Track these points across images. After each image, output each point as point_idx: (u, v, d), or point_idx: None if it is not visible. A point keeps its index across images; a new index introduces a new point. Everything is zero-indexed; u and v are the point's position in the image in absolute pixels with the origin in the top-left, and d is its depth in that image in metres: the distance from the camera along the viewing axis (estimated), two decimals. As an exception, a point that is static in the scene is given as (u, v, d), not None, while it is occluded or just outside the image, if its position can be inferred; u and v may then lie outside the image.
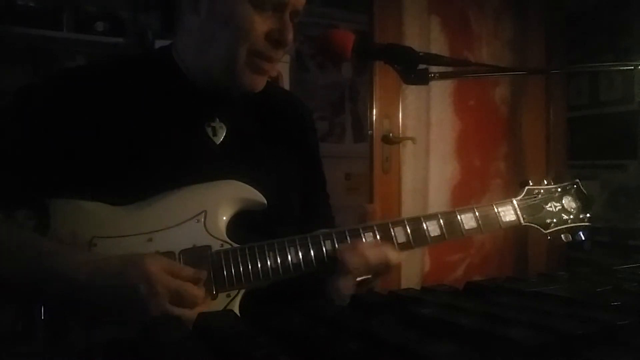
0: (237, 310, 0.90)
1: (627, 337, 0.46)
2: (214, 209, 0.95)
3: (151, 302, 0.79)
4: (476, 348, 0.43)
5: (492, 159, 2.86)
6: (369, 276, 0.94)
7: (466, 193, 2.72)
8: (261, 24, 0.94)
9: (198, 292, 0.84)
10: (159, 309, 0.79)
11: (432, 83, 1.00)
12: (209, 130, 1.03)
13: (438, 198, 2.67)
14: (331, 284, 0.97)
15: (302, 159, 1.16)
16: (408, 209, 2.57)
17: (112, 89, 0.98)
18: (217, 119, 1.04)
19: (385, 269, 0.95)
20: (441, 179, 2.73)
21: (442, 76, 1.03)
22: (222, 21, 0.95)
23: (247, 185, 0.97)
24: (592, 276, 0.75)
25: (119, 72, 1.03)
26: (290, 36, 0.97)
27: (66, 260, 0.82)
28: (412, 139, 2.58)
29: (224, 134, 1.04)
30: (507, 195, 1.09)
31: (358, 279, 0.94)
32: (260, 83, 1.01)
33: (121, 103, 0.97)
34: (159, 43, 2.34)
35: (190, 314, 0.81)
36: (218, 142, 1.03)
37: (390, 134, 2.53)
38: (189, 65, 1.03)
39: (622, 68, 1.22)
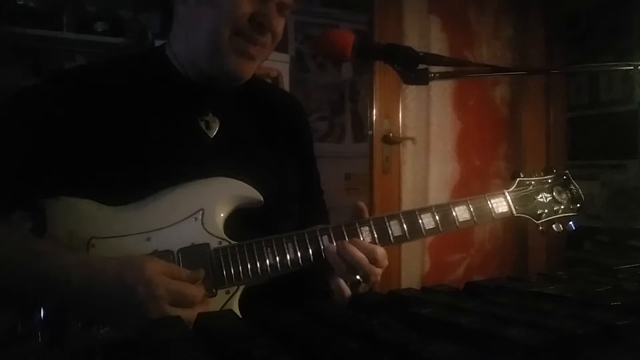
0: (236, 307, 0.91)
1: (627, 337, 0.46)
2: (211, 206, 0.95)
3: (150, 304, 0.79)
4: (476, 348, 0.43)
5: (492, 159, 2.86)
6: (357, 277, 0.94)
7: (466, 193, 2.69)
8: (245, 6, 0.95)
9: (197, 291, 0.84)
10: (158, 310, 0.79)
11: (432, 83, 1.00)
12: (203, 124, 1.04)
13: (438, 198, 2.67)
14: (325, 281, 0.98)
15: (296, 154, 1.16)
16: (408, 208, 2.56)
17: (107, 89, 0.98)
18: (211, 113, 1.05)
19: (369, 267, 0.94)
20: (441, 179, 2.73)
21: (442, 76, 1.03)
22: (208, 4, 0.96)
23: (243, 183, 0.97)
24: (592, 276, 0.75)
25: (113, 72, 1.04)
26: (274, 21, 0.98)
27: (61, 262, 0.82)
28: (412, 139, 2.58)
29: (217, 128, 1.05)
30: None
31: (345, 280, 0.94)
32: (246, 69, 1.00)
33: (116, 103, 0.97)
34: (159, 43, 2.34)
35: (190, 313, 0.81)
36: (212, 136, 1.04)
37: (390, 134, 2.53)
38: (181, 59, 1.04)
39: (622, 68, 1.22)
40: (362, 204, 1.01)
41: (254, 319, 0.53)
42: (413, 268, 2.62)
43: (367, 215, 1.01)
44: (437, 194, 2.69)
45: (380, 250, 0.95)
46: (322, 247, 0.95)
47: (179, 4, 1.01)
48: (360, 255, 0.92)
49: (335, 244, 0.95)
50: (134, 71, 1.04)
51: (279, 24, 1.00)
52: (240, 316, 0.73)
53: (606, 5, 2.78)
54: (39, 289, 0.82)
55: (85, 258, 0.86)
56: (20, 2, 2.41)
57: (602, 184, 2.75)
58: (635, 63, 1.05)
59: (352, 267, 0.93)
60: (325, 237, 0.95)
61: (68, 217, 0.90)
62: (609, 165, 2.74)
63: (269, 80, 2.40)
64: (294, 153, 1.15)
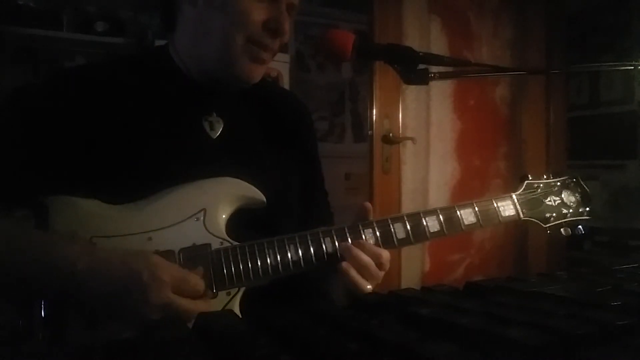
0: (237, 309, 0.91)
1: (627, 337, 0.46)
2: (213, 207, 0.95)
3: (154, 289, 0.78)
4: (476, 348, 0.43)
5: (492, 159, 2.86)
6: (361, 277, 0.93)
7: (466, 193, 2.71)
8: (258, 13, 0.96)
9: (200, 281, 0.84)
10: (161, 296, 0.78)
11: (432, 83, 1.00)
12: (206, 125, 1.04)
13: (438, 198, 2.67)
14: (329, 281, 0.98)
15: (299, 155, 1.16)
16: (408, 209, 2.56)
17: (109, 88, 0.98)
18: (215, 114, 1.05)
19: (375, 270, 0.94)
20: (441, 179, 2.73)
21: (442, 76, 1.03)
22: (219, 9, 0.96)
23: (246, 183, 0.97)
24: (592, 276, 0.75)
25: (115, 71, 1.03)
26: (286, 26, 0.98)
27: (66, 250, 0.82)
28: (412, 139, 2.58)
29: (221, 129, 1.04)
30: (507, 196, 1.08)
31: (353, 275, 0.93)
32: (257, 73, 1.01)
33: (118, 101, 0.97)
34: (159, 43, 2.35)
35: (192, 305, 0.81)
36: (215, 137, 1.04)
37: (390, 134, 2.53)
38: (186, 60, 1.04)
39: (622, 68, 1.22)
40: (369, 205, 0.99)
41: (254, 319, 0.53)
42: (413, 268, 2.62)
43: (371, 216, 1.00)
44: (437, 194, 2.68)
45: (385, 254, 0.95)
46: (324, 249, 0.94)
47: (187, 5, 1.00)
48: (367, 259, 0.92)
49: (339, 245, 0.94)
50: (136, 70, 1.04)
51: (287, 24, 1.01)
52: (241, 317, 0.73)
53: (606, 5, 2.78)
54: (43, 278, 0.82)
55: (89, 247, 0.86)
56: (20, 2, 2.41)
57: (602, 184, 2.75)
58: (635, 63, 1.05)
59: (360, 270, 0.92)
60: (327, 239, 0.95)
61: (70, 215, 0.90)
62: (609, 165, 2.74)
63: (269, 80, 2.40)
64: (298, 154, 1.15)
